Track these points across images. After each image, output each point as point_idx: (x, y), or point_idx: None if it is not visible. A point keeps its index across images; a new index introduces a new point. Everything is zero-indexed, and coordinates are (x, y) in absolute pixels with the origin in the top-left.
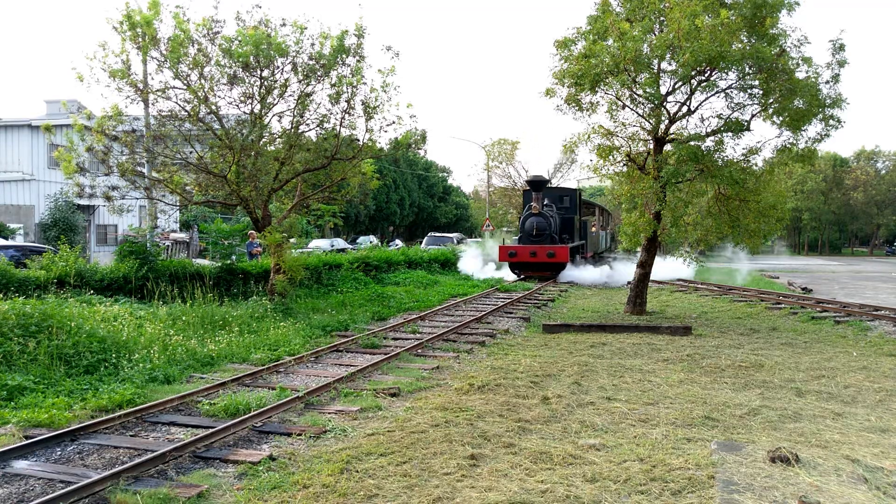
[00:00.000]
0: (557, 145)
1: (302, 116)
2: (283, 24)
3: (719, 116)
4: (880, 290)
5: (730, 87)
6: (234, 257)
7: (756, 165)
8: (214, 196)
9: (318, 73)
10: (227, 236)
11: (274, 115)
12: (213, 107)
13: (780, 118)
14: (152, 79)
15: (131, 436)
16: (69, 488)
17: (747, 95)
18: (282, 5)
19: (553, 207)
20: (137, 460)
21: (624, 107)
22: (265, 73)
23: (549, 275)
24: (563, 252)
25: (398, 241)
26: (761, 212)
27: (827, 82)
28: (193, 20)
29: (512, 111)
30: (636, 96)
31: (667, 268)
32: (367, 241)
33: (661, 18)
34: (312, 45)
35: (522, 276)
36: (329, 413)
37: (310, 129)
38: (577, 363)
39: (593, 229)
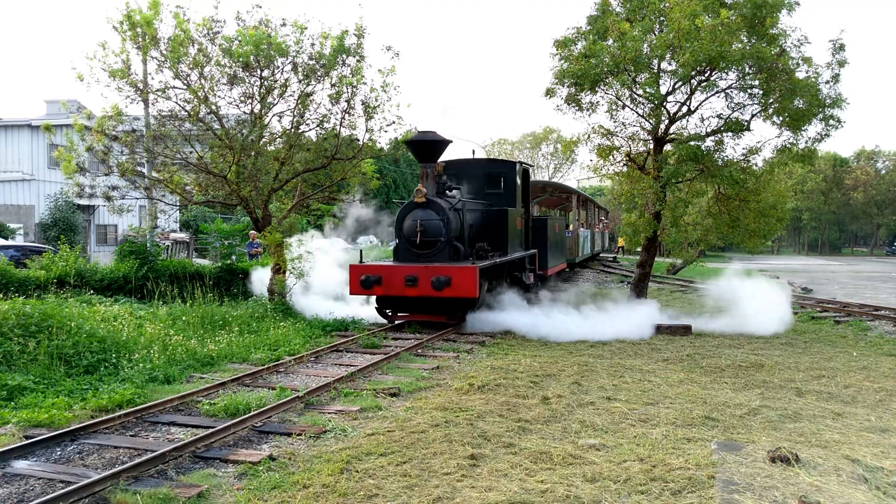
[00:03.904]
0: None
1: (302, 116)
2: (284, 24)
3: (719, 116)
4: (880, 290)
5: (730, 87)
6: (234, 257)
7: (756, 165)
8: (214, 196)
9: (319, 73)
10: (227, 236)
11: (274, 115)
12: (213, 107)
13: (780, 118)
14: (152, 79)
15: (131, 436)
16: (69, 488)
17: (747, 95)
18: (282, 5)
19: (460, 191)
20: (137, 460)
21: (624, 107)
22: (265, 73)
23: (445, 319)
24: (467, 277)
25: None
26: (761, 212)
27: (827, 82)
28: (193, 20)
29: (512, 111)
30: (636, 96)
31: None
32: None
33: (661, 18)
34: (312, 45)
35: (397, 322)
36: (329, 413)
37: (310, 129)
38: (577, 363)
39: (569, 229)
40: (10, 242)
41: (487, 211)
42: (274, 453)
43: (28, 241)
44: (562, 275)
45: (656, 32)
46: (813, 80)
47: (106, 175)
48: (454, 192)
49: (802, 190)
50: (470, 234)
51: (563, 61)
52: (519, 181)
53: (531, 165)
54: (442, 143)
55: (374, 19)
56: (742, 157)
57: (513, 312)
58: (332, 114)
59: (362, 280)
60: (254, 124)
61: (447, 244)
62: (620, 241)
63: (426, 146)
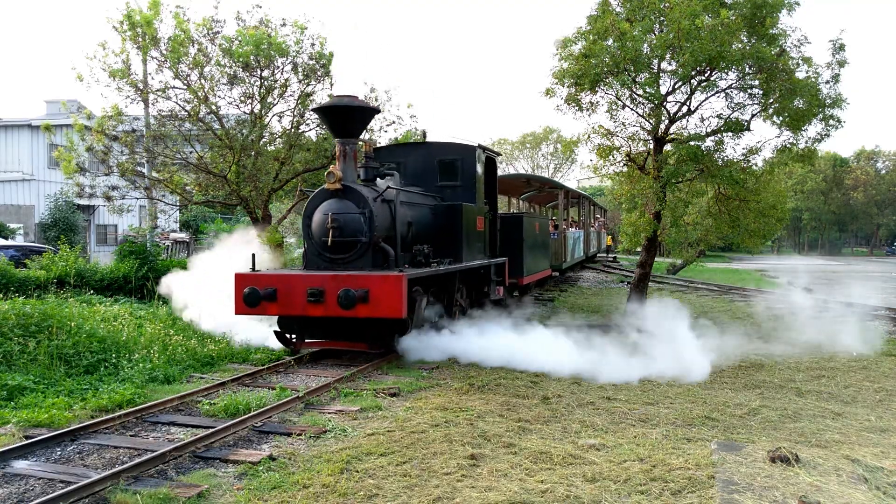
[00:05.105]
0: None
1: (302, 116)
2: (284, 24)
3: (719, 116)
4: (880, 290)
5: (730, 87)
6: None
7: (756, 165)
8: (214, 196)
9: (319, 73)
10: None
11: (274, 115)
12: (213, 107)
13: (780, 118)
14: (152, 79)
15: (131, 436)
16: (69, 488)
17: (747, 95)
18: (282, 5)
19: (395, 178)
20: (137, 460)
21: (624, 107)
22: (265, 73)
23: (367, 346)
24: (390, 290)
25: None
26: (761, 212)
27: (827, 82)
28: (193, 20)
29: (512, 111)
30: (636, 96)
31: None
32: None
33: (661, 18)
34: (313, 44)
35: (303, 350)
36: (329, 413)
37: (310, 129)
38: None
39: (556, 229)
40: (10, 242)
41: (435, 207)
42: (274, 453)
43: (28, 241)
44: (552, 280)
45: (656, 32)
46: (813, 80)
47: (106, 175)
48: (386, 179)
49: (802, 190)
50: (407, 235)
51: (562, 61)
52: (481, 171)
53: (498, 154)
54: (364, 111)
55: (374, 20)
56: (742, 157)
57: (465, 335)
58: None
59: (246, 294)
60: (254, 124)
61: (370, 246)
62: (608, 241)
63: (342, 114)
